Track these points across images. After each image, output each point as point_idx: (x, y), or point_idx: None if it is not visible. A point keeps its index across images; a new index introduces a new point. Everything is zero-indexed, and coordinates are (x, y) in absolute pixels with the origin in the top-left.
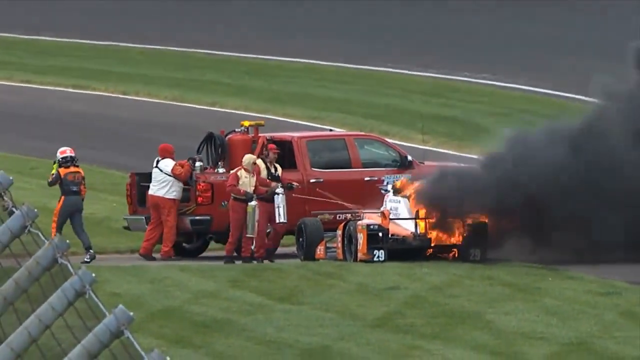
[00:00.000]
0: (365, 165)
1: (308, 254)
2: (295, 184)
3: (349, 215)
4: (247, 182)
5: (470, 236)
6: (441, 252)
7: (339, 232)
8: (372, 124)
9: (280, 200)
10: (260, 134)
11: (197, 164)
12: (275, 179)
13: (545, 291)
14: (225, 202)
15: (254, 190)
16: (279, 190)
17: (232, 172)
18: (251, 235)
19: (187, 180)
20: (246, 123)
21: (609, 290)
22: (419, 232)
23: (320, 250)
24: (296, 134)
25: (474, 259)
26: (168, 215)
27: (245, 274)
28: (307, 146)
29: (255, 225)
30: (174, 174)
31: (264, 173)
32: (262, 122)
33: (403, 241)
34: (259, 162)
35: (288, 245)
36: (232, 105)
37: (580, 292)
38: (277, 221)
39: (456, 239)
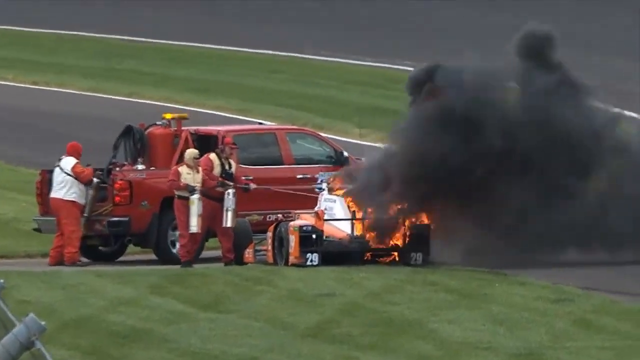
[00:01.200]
0: (297, 162)
1: (236, 257)
2: (252, 185)
3: (280, 215)
4: (189, 179)
5: (411, 238)
6: (380, 256)
7: (269, 233)
8: (306, 117)
9: (230, 203)
10: (183, 128)
11: (94, 180)
12: (229, 177)
13: (492, 297)
14: (146, 202)
15: (202, 186)
16: (230, 190)
17: (173, 167)
18: (195, 231)
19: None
20: (168, 116)
21: (561, 296)
22: (355, 234)
23: (248, 253)
24: (222, 128)
25: (415, 263)
26: (66, 219)
27: (168, 279)
28: (236, 139)
29: (198, 221)
30: (75, 172)
31: (217, 170)
32: (186, 114)
33: (339, 244)
34: (213, 157)
35: (213, 248)
36: (153, 96)
37: (529, 298)
38: (224, 225)
39: (396, 241)
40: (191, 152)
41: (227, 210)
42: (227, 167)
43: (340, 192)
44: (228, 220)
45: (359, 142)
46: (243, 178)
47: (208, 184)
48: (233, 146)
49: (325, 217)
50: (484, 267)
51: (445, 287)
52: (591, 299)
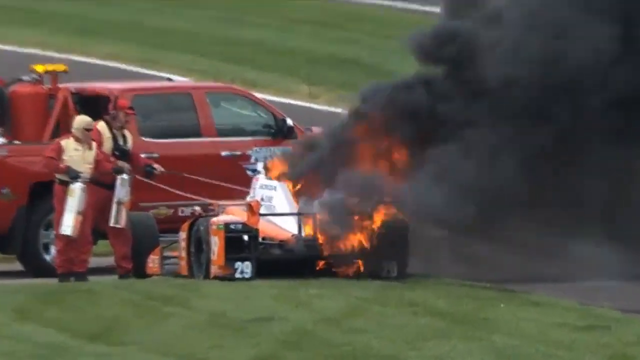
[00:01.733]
0: (222, 134)
1: (136, 266)
2: (158, 167)
3: (198, 209)
4: (77, 158)
5: (382, 241)
6: (338, 265)
7: (183, 234)
8: (234, 71)
9: (122, 193)
10: (61, 85)
11: None
12: (124, 155)
13: (496, 324)
14: (7, 190)
15: (95, 168)
16: (125, 176)
17: (56, 141)
18: (68, 234)
19: None
20: (39, 68)
21: (592, 322)
22: (304, 234)
23: (153, 262)
24: (117, 86)
25: (388, 275)
26: None
27: (39, 299)
28: (134, 102)
29: (76, 220)
30: None
31: (107, 145)
32: (65, 66)
33: (281, 248)
34: (102, 127)
35: (104, 254)
36: (18, 40)
37: (548, 325)
38: (111, 223)
39: (361, 245)
40: (82, 120)
41: (117, 204)
42: (120, 141)
43: (283, 175)
44: (119, 218)
45: (308, 104)
46: (144, 156)
47: (102, 167)
48: (130, 111)
49: (262, 210)
50: (484, 280)
51: (430, 308)
52: (634, 325)
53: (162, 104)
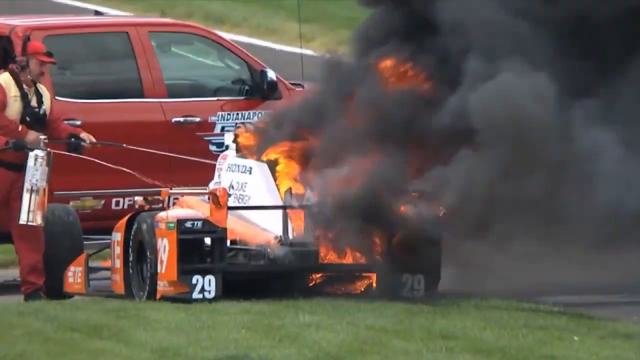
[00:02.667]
0: (173, 92)
1: (47, 282)
2: (87, 137)
3: (139, 199)
4: None
5: (404, 247)
6: (341, 280)
7: (118, 236)
8: (191, 1)
9: (38, 176)
10: None
11: None
12: (38, 121)
13: None
14: None
15: None
16: (39, 152)
17: None
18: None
19: None
20: None
21: None
22: (292, 235)
23: (75, 275)
24: (22, 22)
25: (412, 293)
26: None
27: None
28: (47, 45)
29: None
30: None
31: (15, 107)
32: None
33: (258, 256)
34: (5, 80)
35: (2, 264)
36: None
37: None
38: (19, 220)
39: (373, 252)
40: None
41: (28, 192)
42: (33, 101)
43: (262, 153)
44: (31, 213)
45: (298, 50)
46: (66, 123)
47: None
48: (46, 59)
49: (231, 202)
50: (548, 299)
51: (471, 343)
52: None
53: (86, 48)
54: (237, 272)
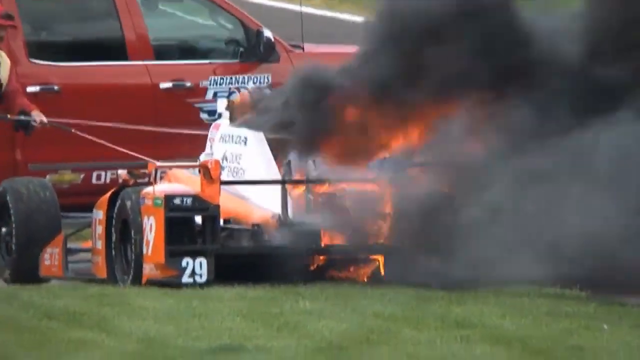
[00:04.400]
0: (160, 53)
1: (21, 265)
2: (37, 116)
3: (122, 172)
4: None
5: (415, 225)
6: (346, 264)
7: (100, 213)
8: None
9: None
10: None
11: None
12: None
13: (596, 357)
14: None
15: None
16: None
17: None
18: None
19: None
20: None
21: None
22: (291, 214)
23: (52, 257)
24: None
25: (423, 280)
26: None
27: None
28: (18, 9)
29: None
30: None
31: None
32: None
33: (254, 236)
34: None
35: None
36: None
37: None
38: None
39: (380, 232)
40: None
41: None
42: None
43: (258, 121)
44: None
45: (297, 7)
46: (24, 97)
47: None
48: (4, 21)
49: (225, 175)
50: (574, 283)
51: (490, 332)
52: None
53: (63, 6)
54: (231, 254)
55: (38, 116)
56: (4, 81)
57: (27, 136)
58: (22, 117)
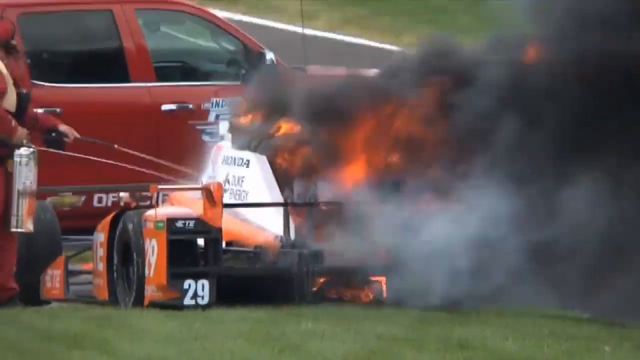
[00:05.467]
0: (163, 76)
1: (22, 287)
2: (69, 132)
3: (124, 195)
4: None
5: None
6: (346, 285)
7: (102, 236)
8: None
9: (26, 176)
10: None
11: None
12: (24, 101)
13: None
14: None
15: None
16: (25, 151)
17: None
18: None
19: None
20: None
21: None
22: (293, 235)
23: (53, 279)
24: None
25: (425, 301)
26: None
27: None
28: (21, 25)
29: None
30: None
31: (12, 98)
32: None
33: (256, 258)
34: (2, 66)
35: None
36: None
37: None
38: (12, 227)
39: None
40: None
41: (20, 195)
42: (16, 86)
43: (258, 141)
44: (21, 218)
45: (300, 29)
46: (43, 113)
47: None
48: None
49: (227, 198)
50: (575, 305)
51: (492, 353)
52: None
53: (65, 28)
54: (233, 276)
55: (70, 131)
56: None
57: (61, 151)
58: (52, 134)
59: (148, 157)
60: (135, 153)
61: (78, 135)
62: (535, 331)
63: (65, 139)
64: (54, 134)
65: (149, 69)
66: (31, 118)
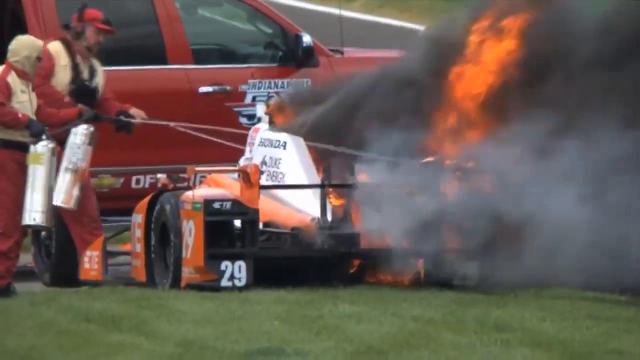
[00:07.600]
0: (200, 58)
1: (60, 268)
2: (137, 113)
3: (162, 177)
4: (27, 104)
5: (456, 229)
6: (384, 268)
7: (140, 218)
8: None
9: (79, 155)
10: None
11: None
12: (88, 94)
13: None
14: None
15: (42, 118)
16: (82, 129)
17: None
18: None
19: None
20: None
21: None
22: (331, 218)
23: (91, 261)
24: None
25: (463, 283)
26: None
27: None
28: (56, 7)
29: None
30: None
31: (62, 77)
32: None
33: (294, 240)
34: (56, 49)
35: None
36: None
37: None
38: (54, 202)
39: (424, 234)
40: (31, 43)
41: (66, 172)
42: (84, 72)
43: (297, 126)
44: (67, 195)
45: (337, 11)
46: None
47: (56, 118)
48: (105, 27)
49: (264, 180)
50: (614, 289)
51: (530, 335)
52: None
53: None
54: (270, 257)
55: (137, 113)
56: (101, 88)
57: (129, 135)
58: (123, 116)
59: (204, 137)
60: (195, 133)
61: (145, 116)
62: (573, 313)
63: (134, 121)
64: (122, 117)
65: (186, 51)
66: (105, 100)
